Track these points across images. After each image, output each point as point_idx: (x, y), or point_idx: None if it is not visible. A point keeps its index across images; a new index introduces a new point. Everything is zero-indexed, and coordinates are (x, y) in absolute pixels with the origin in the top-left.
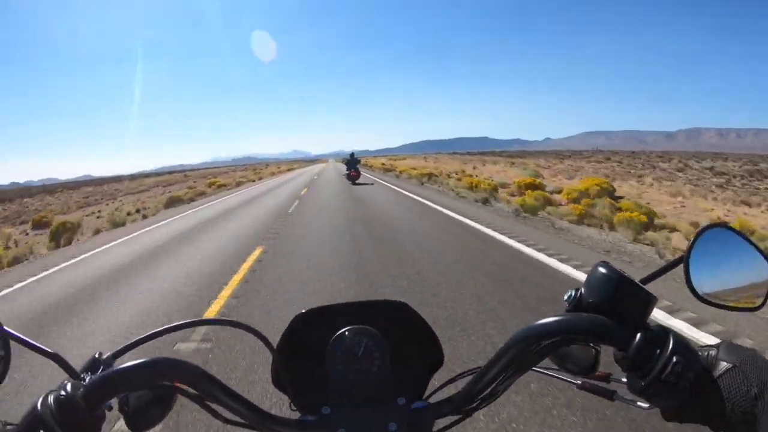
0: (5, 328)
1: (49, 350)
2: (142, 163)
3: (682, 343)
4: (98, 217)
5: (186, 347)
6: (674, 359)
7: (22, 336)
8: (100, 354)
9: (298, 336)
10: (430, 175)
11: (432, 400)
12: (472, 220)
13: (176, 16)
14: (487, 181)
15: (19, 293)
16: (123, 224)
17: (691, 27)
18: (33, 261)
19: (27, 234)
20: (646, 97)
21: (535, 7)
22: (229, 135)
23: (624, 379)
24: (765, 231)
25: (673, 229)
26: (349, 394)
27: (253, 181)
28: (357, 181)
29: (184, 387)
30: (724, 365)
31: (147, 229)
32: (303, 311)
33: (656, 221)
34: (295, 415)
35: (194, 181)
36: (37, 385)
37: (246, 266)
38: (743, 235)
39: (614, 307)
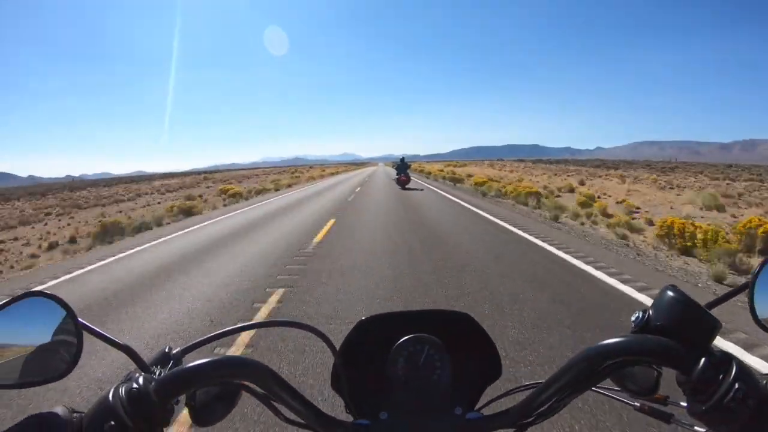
0: (80, 319)
1: (120, 342)
2: (193, 161)
3: (744, 369)
4: None
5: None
6: (736, 385)
7: (95, 327)
8: (170, 348)
9: (361, 340)
10: (536, 195)
11: (485, 411)
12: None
13: (239, 20)
14: (709, 226)
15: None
16: None
17: (746, 36)
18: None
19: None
20: (700, 107)
21: (587, 16)
22: (280, 136)
23: (681, 403)
24: None
25: None
26: (408, 400)
27: (284, 187)
28: (407, 186)
29: (251, 385)
30: None
31: None
32: (366, 317)
33: None
34: (350, 420)
35: (208, 187)
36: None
37: None
38: None
39: (680, 331)
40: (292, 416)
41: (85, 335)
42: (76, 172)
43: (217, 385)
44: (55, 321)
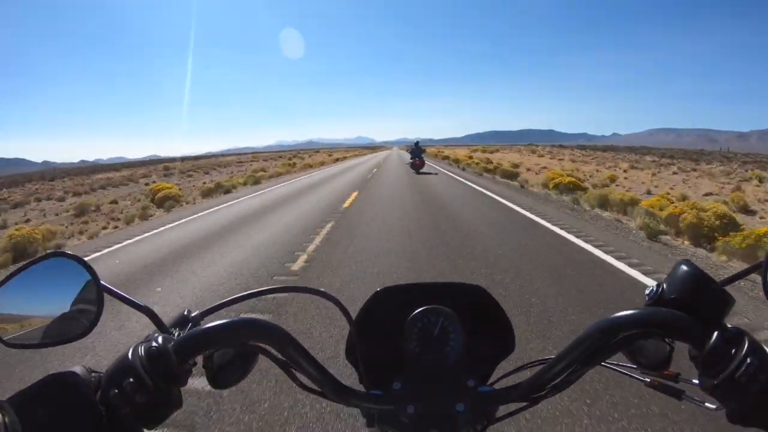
0: (102, 282)
1: (142, 304)
2: (208, 144)
3: (756, 345)
4: None
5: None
6: (748, 360)
7: (117, 290)
8: (189, 312)
9: (376, 312)
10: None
11: (497, 386)
12: None
13: (257, 7)
14: None
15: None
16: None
17: (765, 25)
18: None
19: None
20: (718, 96)
21: (606, 1)
22: (294, 120)
23: (693, 380)
24: None
25: None
26: (421, 371)
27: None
28: (421, 171)
29: (268, 348)
30: None
31: None
32: (381, 288)
33: None
34: (363, 389)
35: (189, 176)
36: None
37: None
38: None
39: (694, 305)
40: (308, 383)
41: (107, 297)
42: (90, 157)
43: (236, 348)
44: (76, 281)
